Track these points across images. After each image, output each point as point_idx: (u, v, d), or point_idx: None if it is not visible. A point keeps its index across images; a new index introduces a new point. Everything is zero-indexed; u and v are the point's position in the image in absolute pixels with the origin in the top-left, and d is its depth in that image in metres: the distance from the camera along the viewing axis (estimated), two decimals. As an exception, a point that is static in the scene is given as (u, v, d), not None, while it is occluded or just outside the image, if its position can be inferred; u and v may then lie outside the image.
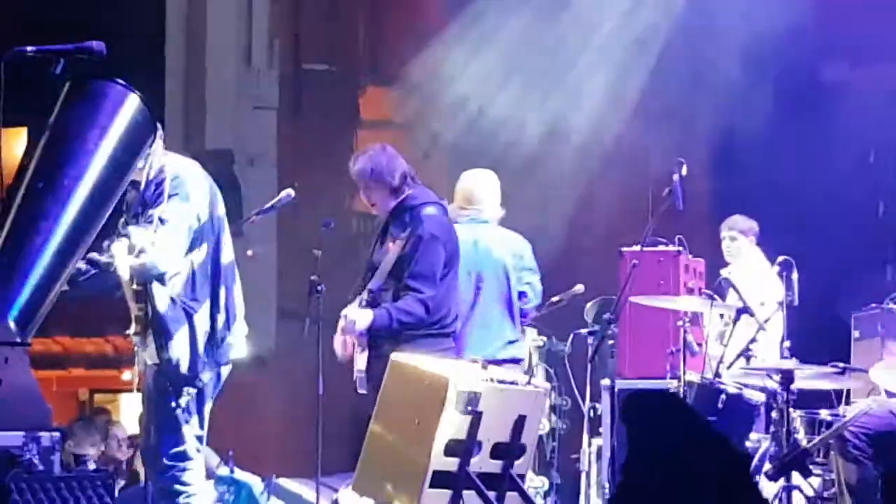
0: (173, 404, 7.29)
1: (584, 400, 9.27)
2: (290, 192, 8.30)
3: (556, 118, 12.97)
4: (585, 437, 9.22)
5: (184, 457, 7.31)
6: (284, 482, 10.53)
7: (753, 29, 12.59)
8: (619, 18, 13.10)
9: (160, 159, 7.32)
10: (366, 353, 8.21)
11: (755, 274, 10.36)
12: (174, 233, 7.18)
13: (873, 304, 10.32)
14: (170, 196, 7.23)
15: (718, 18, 12.74)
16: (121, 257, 7.10)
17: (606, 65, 13.06)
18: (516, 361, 8.85)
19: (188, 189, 7.32)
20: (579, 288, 10.25)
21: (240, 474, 10.04)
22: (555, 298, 10.30)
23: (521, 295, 9.19)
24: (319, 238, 9.04)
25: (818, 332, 9.14)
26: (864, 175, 12.08)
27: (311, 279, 9.03)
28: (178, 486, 7.29)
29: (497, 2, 14.05)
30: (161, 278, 7.21)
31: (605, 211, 12.09)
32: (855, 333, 10.42)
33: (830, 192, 12.05)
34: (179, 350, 7.26)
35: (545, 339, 10.37)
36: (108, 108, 6.72)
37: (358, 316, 8.01)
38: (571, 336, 9.59)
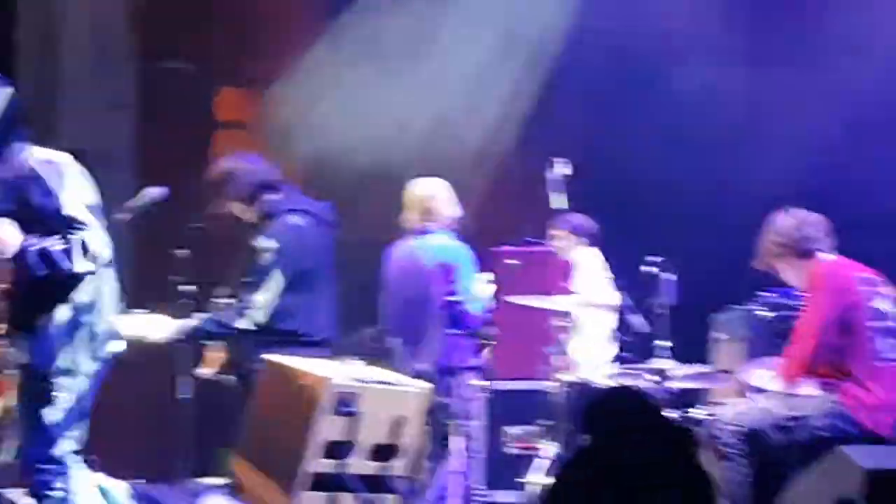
0: (47, 408, 7.17)
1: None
2: (164, 189, 8.17)
3: (425, 122, 12.94)
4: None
5: (58, 461, 7.19)
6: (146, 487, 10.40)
7: (644, 32, 12.61)
8: (497, 24, 13.07)
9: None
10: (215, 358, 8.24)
11: (580, 273, 10.33)
12: None
13: (732, 305, 10.49)
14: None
15: (606, 22, 12.76)
16: None
17: (482, 69, 13.04)
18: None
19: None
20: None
21: (104, 480, 9.89)
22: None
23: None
24: (183, 239, 8.95)
25: (691, 334, 9.22)
26: (745, 179, 12.18)
27: (170, 279, 8.93)
28: (50, 493, 7.17)
29: (367, 11, 14.02)
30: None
31: (478, 211, 12.09)
32: (716, 335, 10.58)
33: (711, 196, 12.17)
34: (59, 349, 7.15)
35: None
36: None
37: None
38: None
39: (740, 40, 12.38)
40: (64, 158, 7.25)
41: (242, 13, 14.79)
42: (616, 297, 9.16)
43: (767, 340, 9.94)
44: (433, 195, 9.26)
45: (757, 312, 10.08)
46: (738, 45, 12.35)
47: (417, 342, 8.99)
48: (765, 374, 8.02)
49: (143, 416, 12.17)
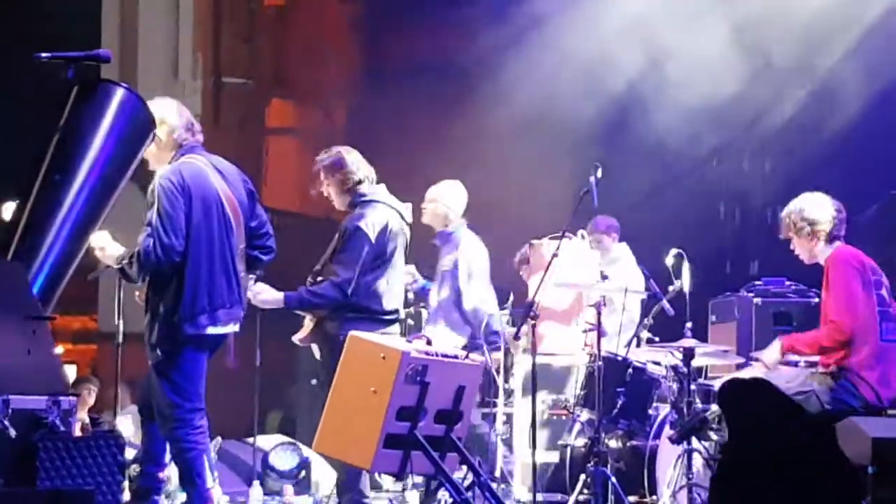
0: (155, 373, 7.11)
1: (499, 373, 9.10)
2: None
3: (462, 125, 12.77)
4: (500, 405, 9.05)
5: (167, 416, 7.12)
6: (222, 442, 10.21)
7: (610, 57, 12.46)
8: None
9: None
10: (308, 327, 8.03)
11: (619, 265, 10.28)
12: None
13: (728, 292, 10.34)
14: None
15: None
16: None
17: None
18: None
19: None
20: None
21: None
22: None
23: None
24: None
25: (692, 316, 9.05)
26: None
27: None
28: (174, 442, 7.15)
29: (387, 31, 13.90)
30: None
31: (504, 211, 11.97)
32: (712, 318, 10.43)
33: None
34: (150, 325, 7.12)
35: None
36: (113, 107, 6.46)
37: (261, 290, 7.90)
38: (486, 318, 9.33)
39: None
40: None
41: (290, 33, 14.75)
42: (644, 284, 8.98)
43: (755, 323, 9.83)
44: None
45: (748, 298, 9.93)
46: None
47: None
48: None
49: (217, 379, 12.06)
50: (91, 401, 11.42)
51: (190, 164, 7.22)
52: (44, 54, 6.24)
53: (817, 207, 7.60)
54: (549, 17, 12.32)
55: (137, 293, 7.36)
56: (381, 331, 7.72)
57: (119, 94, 6.48)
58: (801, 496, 4.80)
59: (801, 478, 4.56)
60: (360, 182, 7.95)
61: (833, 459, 4.69)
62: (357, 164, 7.97)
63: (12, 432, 5.50)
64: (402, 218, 8.04)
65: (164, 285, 7.10)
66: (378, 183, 8.06)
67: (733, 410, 4.68)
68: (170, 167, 7.14)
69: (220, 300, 7.23)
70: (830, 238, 7.59)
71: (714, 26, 11.44)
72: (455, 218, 9.49)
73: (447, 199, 9.53)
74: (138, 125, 6.52)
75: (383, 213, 7.91)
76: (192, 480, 7.15)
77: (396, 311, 8.03)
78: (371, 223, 7.82)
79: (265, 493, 9.87)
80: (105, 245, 7.10)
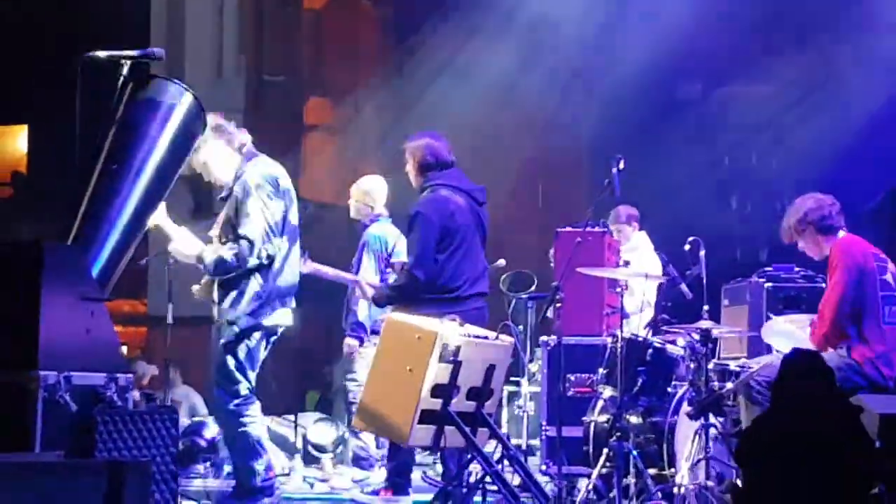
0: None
1: (525, 353, 9.04)
2: None
3: (480, 123, 12.67)
4: (525, 383, 8.98)
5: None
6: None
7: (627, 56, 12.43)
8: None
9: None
10: None
11: (638, 253, 10.22)
12: None
13: (739, 278, 10.24)
14: None
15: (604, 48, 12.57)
16: None
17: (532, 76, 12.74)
18: None
19: None
20: (501, 262, 10.01)
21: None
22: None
23: None
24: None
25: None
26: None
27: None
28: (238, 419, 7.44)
29: (418, 30, 13.82)
30: None
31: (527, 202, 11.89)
32: (724, 302, 10.32)
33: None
34: None
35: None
36: (168, 102, 6.42)
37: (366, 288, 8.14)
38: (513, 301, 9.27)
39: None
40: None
41: (326, 35, 14.71)
42: (661, 270, 8.91)
43: (765, 306, 9.71)
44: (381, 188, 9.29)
45: (759, 283, 9.81)
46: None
47: None
48: (789, 327, 7.75)
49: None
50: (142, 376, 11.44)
51: (267, 162, 7.33)
52: (101, 53, 6.20)
53: (810, 207, 7.54)
54: (567, 20, 12.31)
55: None
56: (455, 310, 7.42)
57: (171, 88, 6.44)
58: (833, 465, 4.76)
59: (821, 455, 4.51)
60: (429, 167, 7.80)
61: (859, 431, 4.63)
62: (432, 150, 7.79)
63: (73, 407, 5.46)
64: (475, 200, 7.84)
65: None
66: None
67: (800, 379, 4.63)
68: (255, 170, 7.35)
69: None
70: (832, 230, 7.54)
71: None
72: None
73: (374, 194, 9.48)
74: (190, 118, 6.48)
75: (446, 196, 7.74)
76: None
77: (462, 288, 7.75)
78: (432, 206, 7.67)
79: (305, 465, 9.87)
80: None
